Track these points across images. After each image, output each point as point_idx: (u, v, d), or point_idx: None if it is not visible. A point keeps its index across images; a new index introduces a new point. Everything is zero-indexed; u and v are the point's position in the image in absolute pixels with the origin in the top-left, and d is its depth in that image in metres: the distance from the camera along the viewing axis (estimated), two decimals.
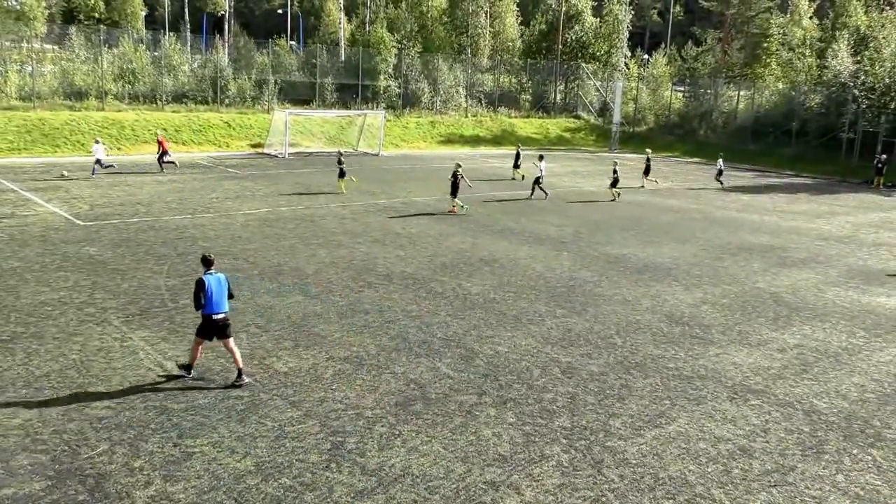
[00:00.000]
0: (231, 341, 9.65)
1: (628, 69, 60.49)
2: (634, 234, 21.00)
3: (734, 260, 18.35)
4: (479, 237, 19.37)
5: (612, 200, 27.02)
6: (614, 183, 27.21)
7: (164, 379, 9.67)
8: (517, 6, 64.45)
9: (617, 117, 51.43)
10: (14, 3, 50.83)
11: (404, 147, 42.51)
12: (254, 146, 37.75)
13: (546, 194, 26.33)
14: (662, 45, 69.86)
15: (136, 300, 12.77)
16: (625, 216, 23.95)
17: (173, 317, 12.04)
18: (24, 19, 46.05)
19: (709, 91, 53.44)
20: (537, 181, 26.33)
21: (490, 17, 60.82)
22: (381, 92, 46.60)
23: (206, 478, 7.39)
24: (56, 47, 43.72)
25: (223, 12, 68.90)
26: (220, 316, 9.50)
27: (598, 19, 60.37)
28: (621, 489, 7.57)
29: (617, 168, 27.57)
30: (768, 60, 55.49)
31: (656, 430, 8.91)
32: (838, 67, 43.27)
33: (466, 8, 57.58)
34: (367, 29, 57.26)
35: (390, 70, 47.39)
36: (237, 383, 9.53)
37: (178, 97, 39.86)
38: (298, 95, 45.02)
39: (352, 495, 7.20)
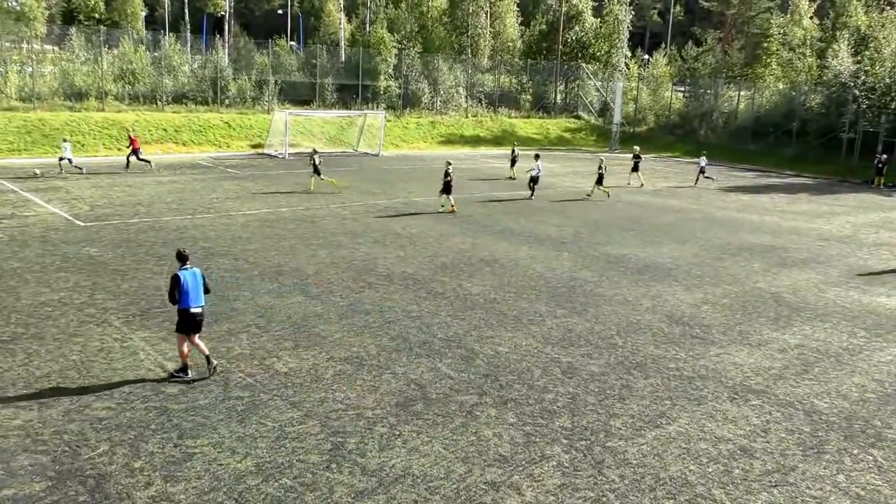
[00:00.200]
0: (197, 337, 9.79)
1: (629, 69, 60.49)
2: (635, 234, 21.00)
3: (735, 260, 18.35)
4: (480, 237, 19.37)
5: (589, 197, 27.24)
6: (599, 180, 27.37)
7: (164, 380, 9.66)
8: (517, 6, 64.47)
9: (617, 117, 51.43)
10: (14, 3, 50.85)
11: (404, 147, 42.52)
12: (254, 146, 37.76)
13: (532, 195, 26.25)
14: (663, 46, 69.88)
15: (137, 301, 12.76)
16: (625, 216, 23.94)
17: (174, 317, 11.95)
18: (23, 20, 46.06)
19: (709, 91, 53.43)
20: (533, 180, 26.31)
21: (490, 17, 60.83)
22: (382, 92, 46.60)
23: (207, 478, 7.38)
24: (56, 48, 43.74)
25: (223, 13, 68.94)
26: (198, 310, 9.61)
27: (599, 19, 60.38)
28: (622, 489, 7.56)
29: (603, 166, 27.63)
30: (768, 60, 55.48)
31: (657, 430, 8.90)
32: (839, 67, 43.26)
33: (466, 8, 57.59)
34: (368, 29, 57.26)
35: (390, 70, 47.40)
36: (210, 371, 9.75)
37: (179, 98, 39.87)
38: (298, 96, 45.03)
39: (352, 496, 7.20)
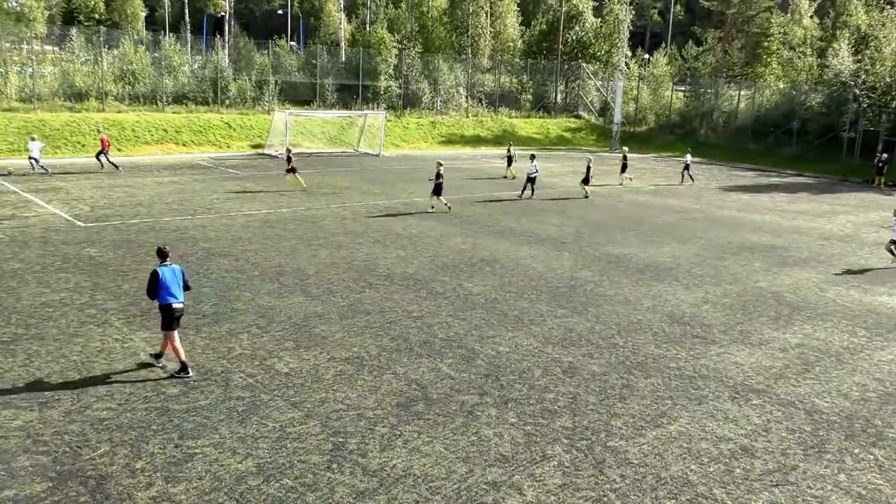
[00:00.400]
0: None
1: (629, 69, 60.47)
2: (635, 233, 20.99)
3: (735, 259, 18.34)
4: (480, 237, 19.36)
5: (586, 197, 27.33)
6: (586, 180, 27.41)
7: (163, 378, 9.66)
8: (518, 6, 64.45)
9: (618, 117, 51.44)
10: (14, 4, 50.86)
11: (405, 147, 42.52)
12: (254, 147, 37.77)
13: (521, 194, 26.19)
14: (663, 45, 69.84)
15: (137, 301, 12.76)
16: (626, 216, 23.94)
17: None
18: (23, 20, 46.06)
19: (709, 91, 53.43)
20: (531, 180, 26.26)
21: (490, 17, 60.83)
22: (382, 92, 46.62)
23: (208, 479, 7.38)
24: (56, 48, 43.73)
25: (223, 13, 68.90)
26: (179, 305, 9.79)
27: (599, 19, 60.38)
28: (623, 489, 7.56)
29: (591, 165, 27.65)
30: (769, 60, 55.47)
31: (658, 429, 8.90)
32: (839, 66, 43.25)
33: (467, 8, 57.58)
34: (368, 29, 57.25)
35: (391, 70, 47.41)
36: (153, 363, 10.04)
37: (179, 98, 39.90)
38: (299, 96, 45.06)
39: (353, 496, 7.19)
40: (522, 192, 26.34)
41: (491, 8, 60.66)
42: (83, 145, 32.55)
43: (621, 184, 31.50)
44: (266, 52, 45.77)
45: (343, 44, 53.90)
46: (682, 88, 57.13)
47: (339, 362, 10.49)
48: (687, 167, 33.51)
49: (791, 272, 17.32)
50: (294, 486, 7.33)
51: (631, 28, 59.99)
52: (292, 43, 64.84)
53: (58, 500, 6.93)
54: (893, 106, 40.41)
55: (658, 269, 16.85)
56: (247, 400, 9.17)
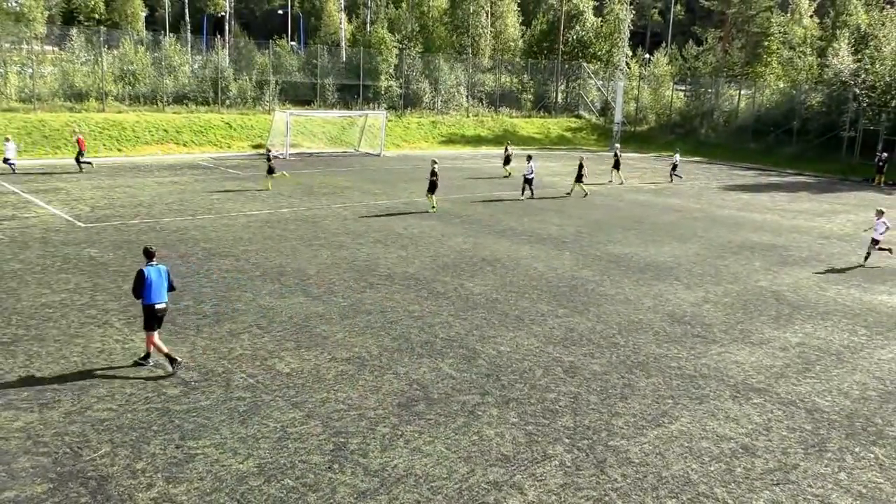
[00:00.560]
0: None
1: (629, 68, 60.46)
2: (636, 233, 20.99)
3: (736, 259, 18.34)
4: (481, 237, 19.36)
5: (568, 194, 27.41)
6: (579, 178, 27.50)
7: (166, 381, 9.67)
8: (518, 6, 64.45)
9: (618, 117, 51.42)
10: (13, 4, 50.86)
11: (406, 147, 42.52)
12: (255, 147, 37.77)
13: (522, 194, 26.16)
14: (663, 45, 69.83)
15: (138, 302, 12.73)
16: (626, 215, 23.93)
17: (174, 318, 12.03)
18: (23, 20, 46.07)
19: (710, 90, 53.42)
20: (528, 181, 26.20)
21: (491, 16, 60.83)
22: (383, 92, 46.61)
23: (209, 479, 7.38)
24: (56, 49, 43.74)
25: (223, 13, 68.89)
26: (162, 305, 9.89)
27: (600, 19, 60.37)
28: (624, 488, 7.56)
29: (584, 164, 27.68)
30: (769, 59, 55.45)
31: (659, 429, 8.90)
32: (839, 66, 43.23)
33: (467, 8, 57.59)
34: (368, 29, 57.24)
35: (391, 70, 47.40)
36: (141, 362, 10.07)
37: (179, 98, 39.90)
38: (299, 96, 45.06)
39: (354, 496, 7.20)
40: (522, 192, 26.32)
41: (491, 8, 60.67)
42: None
43: (611, 181, 31.62)
44: (266, 51, 45.77)
45: (344, 44, 53.91)
46: (683, 88, 57.13)
47: (340, 362, 10.49)
48: (675, 167, 33.72)
49: (791, 271, 17.31)
50: (295, 486, 7.33)
51: (631, 28, 59.99)
52: (293, 43, 64.87)
53: (58, 501, 6.93)
54: (893, 105, 40.39)
55: (659, 269, 16.84)
56: (248, 400, 9.17)
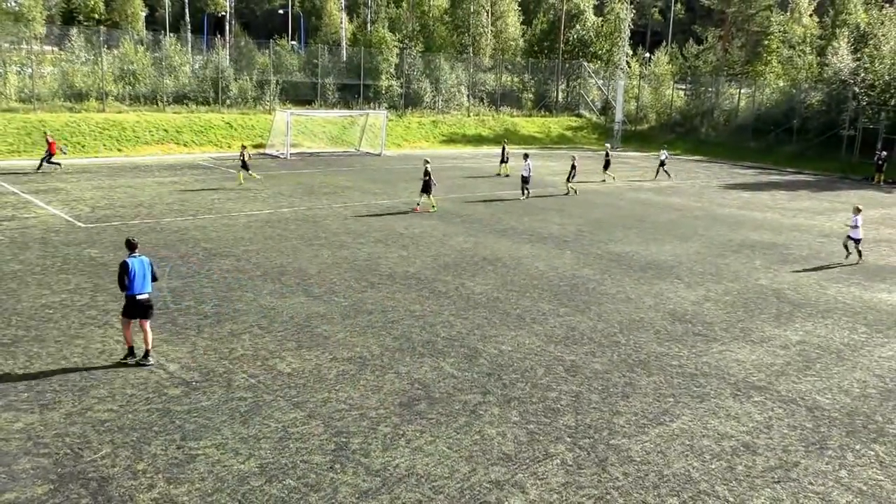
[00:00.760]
0: (148, 323, 10.17)
1: (630, 67, 60.43)
2: (637, 231, 20.99)
3: (736, 257, 18.33)
4: (482, 236, 19.36)
5: (567, 194, 27.47)
6: (570, 177, 27.47)
7: (167, 381, 9.67)
8: (519, 5, 64.43)
9: (619, 116, 51.42)
10: (13, 4, 50.85)
11: (406, 147, 42.51)
12: (256, 147, 37.75)
13: (522, 194, 26.06)
14: (664, 44, 69.78)
15: None
16: (627, 214, 23.93)
17: (175, 318, 12.04)
18: (22, 20, 46.05)
19: (710, 89, 53.40)
20: (524, 180, 26.14)
21: (491, 16, 60.81)
22: (383, 91, 46.60)
23: (210, 480, 7.38)
24: (56, 49, 43.73)
25: (224, 13, 68.87)
26: (144, 297, 10.01)
27: (600, 18, 60.36)
28: (626, 487, 7.56)
29: (575, 163, 27.67)
30: (769, 58, 55.43)
31: (660, 427, 8.90)
32: (838, 65, 43.21)
33: (468, 7, 57.57)
34: (369, 29, 57.25)
35: (392, 70, 47.39)
36: (143, 362, 10.06)
37: (180, 98, 39.89)
38: (300, 96, 45.05)
39: (356, 496, 7.20)
40: (523, 192, 26.30)
41: (492, 7, 60.65)
42: (83, 146, 32.56)
43: (604, 180, 31.68)
44: (267, 51, 45.76)
45: (344, 43, 53.89)
46: (683, 87, 57.12)
47: (341, 362, 10.49)
48: (662, 163, 33.90)
49: (792, 270, 17.31)
50: (297, 486, 7.33)
51: (632, 27, 59.90)
52: (293, 42, 64.87)
53: (59, 502, 6.93)
54: (892, 104, 40.37)
55: (659, 267, 16.84)
56: (249, 400, 9.17)
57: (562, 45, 56.95)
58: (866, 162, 39.09)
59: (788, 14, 59.65)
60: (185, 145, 35.72)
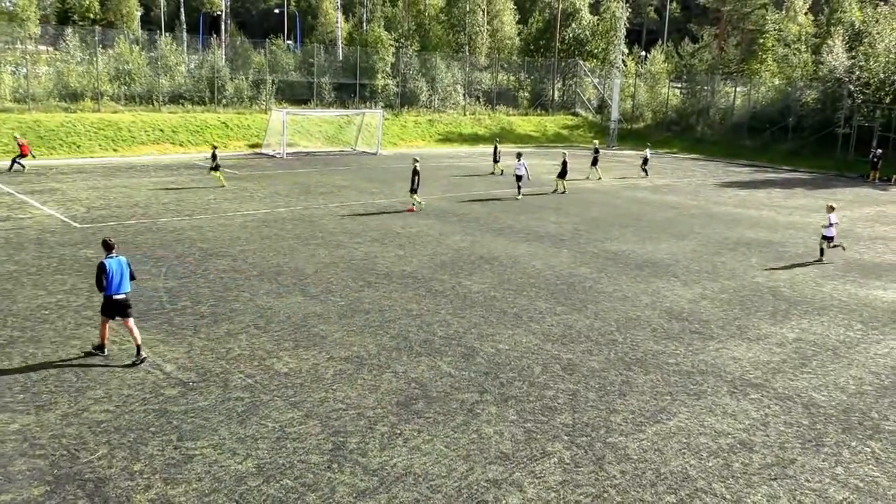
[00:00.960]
0: (131, 321, 10.25)
1: (626, 66, 60.50)
2: (633, 230, 21.01)
3: (733, 255, 18.37)
4: (479, 235, 19.37)
5: (555, 191, 27.52)
6: (562, 174, 27.50)
7: (164, 382, 9.65)
8: (514, 4, 64.46)
9: (615, 114, 51.49)
10: (7, 4, 50.68)
11: (403, 146, 42.50)
12: (252, 146, 37.71)
13: (518, 194, 25.97)
14: (659, 42, 69.88)
15: (134, 303, 12.64)
16: (623, 213, 23.96)
17: (172, 319, 12.02)
18: (17, 20, 45.90)
19: (706, 87, 53.50)
20: (518, 179, 26.04)
21: (487, 15, 60.84)
22: (380, 91, 46.59)
23: (207, 480, 7.37)
24: (51, 49, 43.61)
25: (219, 12, 68.76)
26: (122, 297, 10.10)
27: (596, 17, 60.39)
28: (623, 485, 7.57)
29: (566, 160, 27.65)
30: (764, 56, 55.55)
31: (657, 425, 8.91)
32: (833, 63, 43.33)
33: (464, 6, 57.56)
34: (365, 28, 57.21)
35: (388, 69, 47.37)
36: (137, 360, 10.12)
37: (175, 98, 39.82)
38: (296, 95, 45.00)
39: (354, 495, 7.19)
40: (518, 192, 26.26)
41: (487, 6, 60.67)
42: (78, 146, 32.48)
43: (599, 178, 31.71)
44: (263, 50, 45.70)
45: (340, 42, 53.84)
46: (679, 85, 57.23)
47: (338, 362, 10.48)
48: (645, 161, 34.00)
49: (788, 267, 17.35)
50: (294, 486, 7.32)
51: (627, 25, 60.00)
52: (289, 42, 64.76)
53: (55, 503, 6.92)
54: (887, 101, 40.48)
55: (656, 266, 16.87)
56: (246, 400, 9.16)
57: (558, 44, 56.98)
58: (861, 159, 39.22)
59: (784, 12, 59.78)
60: (180, 145, 35.64)
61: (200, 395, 9.26)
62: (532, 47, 59.73)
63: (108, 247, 10.17)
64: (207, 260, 15.75)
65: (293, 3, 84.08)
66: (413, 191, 22.39)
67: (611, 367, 10.71)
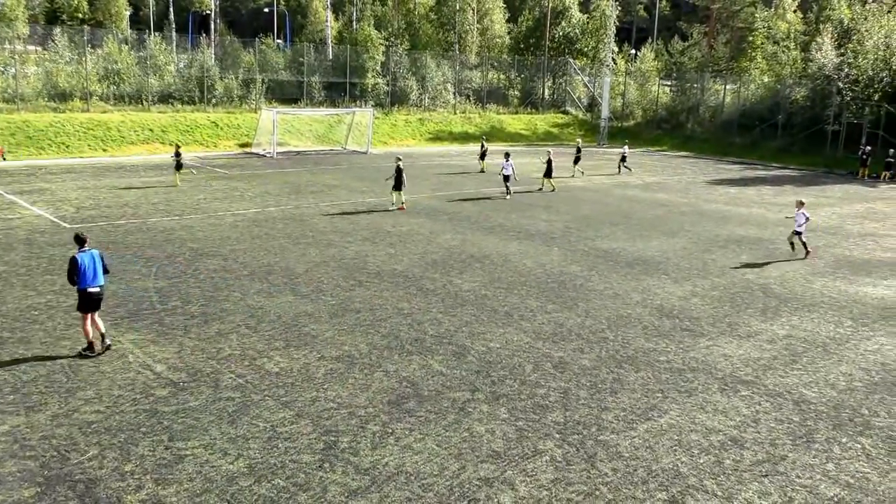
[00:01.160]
0: (97, 314, 10.40)
1: (616, 64, 60.64)
2: (624, 228, 21.07)
3: (723, 252, 18.45)
4: (470, 234, 19.37)
5: (540, 189, 27.51)
6: (548, 173, 27.52)
7: (154, 382, 9.60)
8: (504, 3, 64.49)
9: (605, 112, 51.63)
10: None
11: (393, 145, 42.45)
12: (242, 146, 37.57)
13: (507, 194, 25.74)
14: (649, 40, 70.09)
15: (125, 303, 12.67)
16: (614, 210, 24.02)
17: (162, 319, 11.96)
18: (5, 20, 45.53)
19: (695, 85, 53.71)
20: (506, 179, 25.87)
21: (477, 13, 60.84)
22: (370, 90, 46.52)
23: (199, 480, 7.34)
24: (39, 48, 43.28)
25: (208, 11, 68.42)
26: (96, 289, 10.21)
27: (586, 15, 60.52)
28: (615, 482, 7.59)
29: (551, 158, 27.68)
30: (753, 54, 55.85)
31: (648, 422, 8.94)
32: (822, 60, 43.57)
33: (453, 5, 57.54)
34: (355, 27, 57.08)
35: (378, 68, 47.30)
36: (104, 346, 10.32)
37: (165, 97, 39.63)
38: (286, 94, 44.88)
39: (345, 495, 7.18)
40: (507, 191, 26.19)
41: (477, 4, 60.67)
42: (67, 146, 32.27)
43: (573, 176, 31.84)
44: (252, 50, 45.54)
45: (330, 41, 53.74)
46: (669, 83, 57.43)
47: (329, 361, 10.46)
48: (623, 158, 34.21)
49: (778, 264, 17.44)
50: (286, 485, 7.30)
51: (617, 24, 60.15)
52: (279, 41, 64.56)
53: None
54: (876, 99, 40.76)
55: (647, 263, 16.92)
56: (237, 400, 9.13)
57: (548, 42, 57.07)
58: (851, 157, 39.46)
59: (773, 10, 60.09)
60: (170, 145, 35.41)
61: (191, 395, 9.22)
62: (522, 45, 59.80)
63: (80, 241, 10.23)
64: (198, 260, 15.68)
65: (283, 2, 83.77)
66: (397, 189, 22.23)
67: (602, 364, 10.74)
